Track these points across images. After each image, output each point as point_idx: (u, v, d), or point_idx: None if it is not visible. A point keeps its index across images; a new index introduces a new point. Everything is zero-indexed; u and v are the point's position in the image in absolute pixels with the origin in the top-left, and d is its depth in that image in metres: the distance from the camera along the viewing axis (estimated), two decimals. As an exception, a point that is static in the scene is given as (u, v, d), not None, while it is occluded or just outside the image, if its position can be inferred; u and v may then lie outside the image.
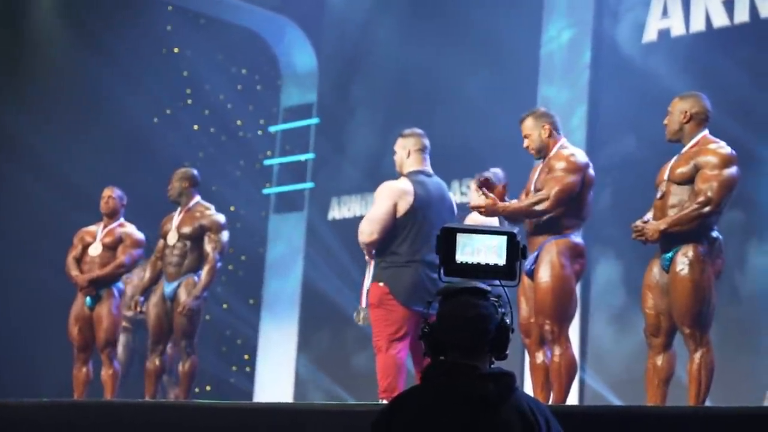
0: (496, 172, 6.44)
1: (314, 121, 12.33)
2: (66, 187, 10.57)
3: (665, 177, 5.37)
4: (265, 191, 12.54)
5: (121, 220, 8.04)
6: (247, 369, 12.20)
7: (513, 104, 8.56)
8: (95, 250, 7.89)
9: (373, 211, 6.04)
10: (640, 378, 5.46)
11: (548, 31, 10.18)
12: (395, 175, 6.18)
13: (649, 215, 5.44)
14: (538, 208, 5.55)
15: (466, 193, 9.89)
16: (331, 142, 12.00)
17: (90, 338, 7.78)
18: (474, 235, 3.23)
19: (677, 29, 9.32)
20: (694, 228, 5.19)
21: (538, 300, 5.52)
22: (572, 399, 6.57)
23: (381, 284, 5.94)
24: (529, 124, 5.77)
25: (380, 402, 5.60)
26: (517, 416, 3.01)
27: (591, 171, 5.69)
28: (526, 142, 5.79)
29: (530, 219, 5.64)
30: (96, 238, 7.94)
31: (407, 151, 6.13)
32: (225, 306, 11.94)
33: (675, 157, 5.39)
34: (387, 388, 5.79)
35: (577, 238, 5.62)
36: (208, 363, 10.35)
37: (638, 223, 5.39)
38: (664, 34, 9.41)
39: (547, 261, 5.50)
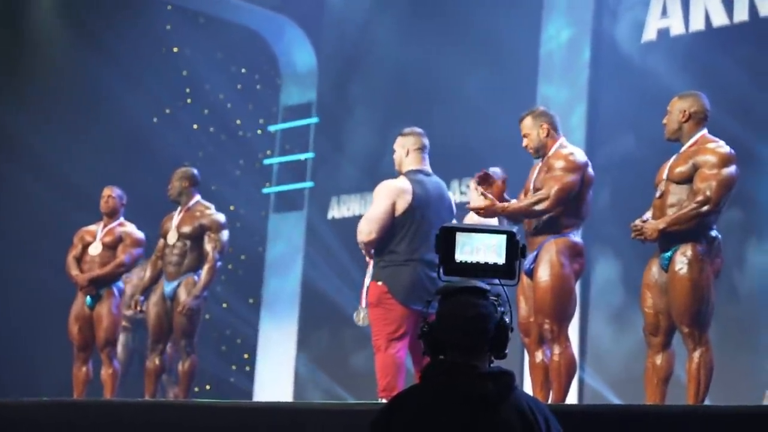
0: (495, 171, 6.42)
1: (314, 120, 12.31)
2: (66, 186, 10.56)
3: (664, 176, 5.36)
4: (265, 190, 12.53)
5: (121, 219, 8.05)
6: (247, 368, 12.18)
7: (512, 103, 8.54)
8: (95, 249, 7.90)
9: (371, 210, 6.03)
10: (640, 377, 5.46)
11: (548, 31, 10.18)
12: (395, 174, 6.17)
13: (648, 214, 5.44)
14: (538, 207, 5.54)
15: (465, 192, 9.87)
16: (331, 142, 11.99)
17: (90, 338, 7.79)
18: (473, 234, 3.23)
19: (676, 28, 9.32)
20: (693, 227, 5.19)
21: (538, 299, 5.52)
22: (571, 398, 6.56)
23: (380, 283, 5.93)
24: (527, 124, 5.77)
25: (379, 401, 5.59)
26: (516, 415, 3.00)
27: (590, 170, 5.68)
28: (525, 142, 5.79)
29: (530, 219, 5.64)
30: (96, 237, 7.95)
31: (406, 150, 6.12)
32: (225, 305, 11.92)
33: (674, 157, 5.39)
34: (386, 387, 5.78)
35: (576, 237, 5.62)
36: (207, 362, 10.35)
37: (637, 222, 5.39)
38: (663, 33, 9.40)
39: (547, 260, 5.50)
